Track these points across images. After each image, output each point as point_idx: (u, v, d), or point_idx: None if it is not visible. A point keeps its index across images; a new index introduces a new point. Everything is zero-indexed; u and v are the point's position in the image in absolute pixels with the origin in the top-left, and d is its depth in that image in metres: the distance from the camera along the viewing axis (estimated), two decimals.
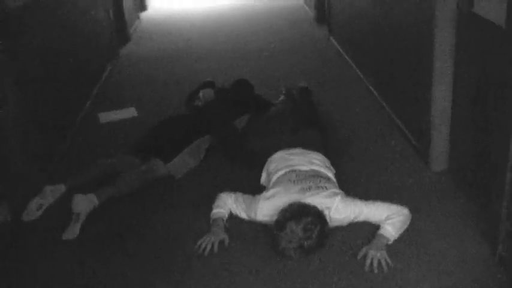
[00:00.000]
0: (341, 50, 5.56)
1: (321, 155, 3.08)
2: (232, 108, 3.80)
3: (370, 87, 4.36)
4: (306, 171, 2.82)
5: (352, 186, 2.87)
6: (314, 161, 2.96)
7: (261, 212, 2.64)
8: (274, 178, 2.83)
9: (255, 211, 2.65)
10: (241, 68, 5.35)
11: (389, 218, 2.55)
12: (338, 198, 2.59)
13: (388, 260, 2.36)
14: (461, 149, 2.89)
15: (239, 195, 2.80)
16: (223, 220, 2.71)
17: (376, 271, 2.32)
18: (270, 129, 3.64)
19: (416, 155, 3.27)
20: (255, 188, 2.93)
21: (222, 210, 2.74)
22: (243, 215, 2.75)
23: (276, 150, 3.11)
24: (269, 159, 3.07)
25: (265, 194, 2.68)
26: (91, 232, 2.71)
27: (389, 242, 2.48)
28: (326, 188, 2.64)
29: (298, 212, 2.43)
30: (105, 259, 2.54)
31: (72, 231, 2.65)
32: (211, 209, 2.77)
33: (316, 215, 2.44)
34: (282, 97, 4.24)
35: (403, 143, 3.45)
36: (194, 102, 3.84)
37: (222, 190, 2.87)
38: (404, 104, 3.54)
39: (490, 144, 2.47)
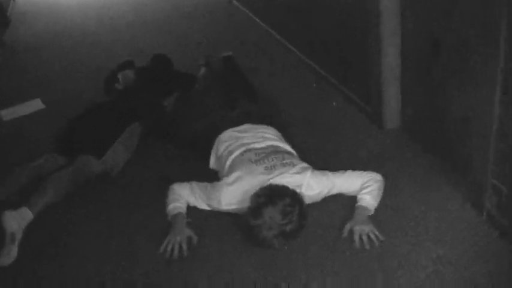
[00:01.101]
0: (251, 15, 5.29)
1: (271, 128, 2.84)
2: (156, 87, 3.45)
3: (297, 52, 4.14)
4: (264, 148, 2.57)
5: (310, 160, 2.64)
6: (267, 136, 2.72)
7: (225, 200, 2.36)
8: (229, 161, 2.55)
9: (218, 200, 2.37)
10: (145, 40, 4.96)
11: (365, 187, 2.38)
12: (308, 174, 2.37)
13: (377, 233, 2.20)
14: (416, 106, 2.79)
15: (194, 184, 2.50)
16: (183, 215, 2.40)
17: (367, 247, 2.15)
18: (203, 107, 3.35)
19: (368, 118, 3.12)
20: (204, 174, 2.65)
21: (179, 204, 2.43)
22: (203, 206, 2.46)
23: (219, 130, 2.82)
24: (216, 140, 2.78)
25: (226, 179, 2.40)
26: (30, 248, 2.32)
27: (371, 213, 2.31)
28: (293, 164, 2.41)
29: (272, 195, 2.18)
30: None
31: (9, 255, 2.22)
32: (165, 204, 2.45)
33: (292, 195, 2.21)
34: (203, 69, 3.94)
35: (351, 108, 3.28)
36: (114, 86, 3.42)
37: (169, 181, 2.56)
38: (349, 68, 3.35)
39: (450, 98, 2.38)
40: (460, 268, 2.01)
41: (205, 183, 2.48)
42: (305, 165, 2.45)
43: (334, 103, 3.39)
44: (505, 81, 1.93)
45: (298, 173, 2.37)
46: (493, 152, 2.08)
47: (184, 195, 2.47)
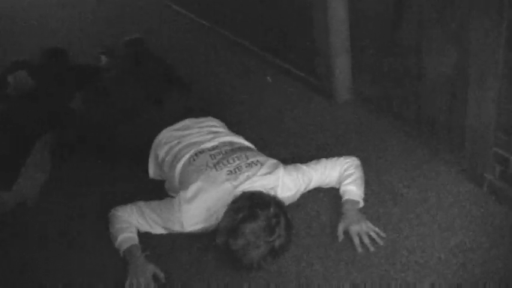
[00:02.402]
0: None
1: (214, 119, 2.41)
2: (58, 88, 2.86)
3: (228, 34, 3.66)
4: (218, 146, 2.14)
5: (269, 153, 2.22)
6: (216, 130, 2.30)
7: (188, 221, 1.92)
8: (178, 169, 2.09)
9: (180, 221, 1.92)
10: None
11: (346, 176, 2.04)
12: (281, 172, 1.99)
13: (378, 230, 1.88)
14: (370, 75, 2.49)
15: (142, 205, 2.02)
16: (138, 246, 1.93)
17: (372, 249, 1.82)
18: (121, 105, 2.82)
19: (317, 93, 2.77)
20: (144, 189, 2.18)
21: (129, 234, 1.95)
22: (159, 230, 1.99)
23: (152, 131, 2.35)
24: (154, 145, 2.31)
25: (183, 195, 1.94)
26: None
27: (361, 205, 1.99)
28: (260, 163, 2.01)
29: (251, 207, 1.77)
30: None
31: None
32: (111, 237, 1.96)
33: (275, 203, 1.82)
34: (103, 59, 3.38)
35: (297, 85, 2.91)
36: (4, 92, 2.78)
37: (107, 205, 2.06)
38: (291, 44, 2.95)
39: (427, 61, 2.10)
40: (484, 253, 1.74)
41: (156, 202, 2.02)
42: (273, 161, 2.05)
43: (268, 78, 3.00)
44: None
45: (269, 173, 1.98)
46: (497, 119, 1.82)
47: (133, 221, 1.99)
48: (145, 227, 1.99)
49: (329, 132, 2.49)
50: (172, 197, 2.05)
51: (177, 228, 1.94)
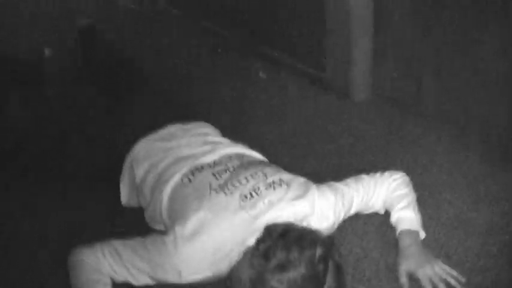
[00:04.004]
0: None
1: (206, 124, 1.85)
2: None
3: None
4: (220, 161, 1.57)
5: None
6: (211, 139, 1.73)
7: (189, 267, 1.32)
8: (165, 193, 1.50)
9: (176, 269, 1.32)
10: None
11: (397, 199, 1.51)
12: (315, 194, 1.44)
13: (455, 273, 1.36)
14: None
15: (118, 246, 1.40)
16: None
17: None
18: (74, 108, 2.22)
19: (331, 91, 2.25)
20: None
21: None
22: (143, 279, 1.39)
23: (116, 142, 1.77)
24: (127, 161, 1.71)
25: (180, 230, 1.34)
26: None
27: (423, 236, 1.46)
28: (285, 183, 1.45)
29: (287, 248, 1.21)
30: None
31: None
32: None
33: (320, 241, 1.26)
34: (47, 51, 2.75)
35: (296, 79, 2.37)
36: None
37: (64, 246, 1.45)
38: (291, 30, 2.40)
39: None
40: None
41: (139, 240, 1.40)
42: (301, 179, 1.50)
43: (260, 73, 2.46)
44: None
45: (300, 196, 1.41)
46: None
47: (106, 270, 1.38)
48: (123, 277, 1.38)
49: (350, 138, 1.97)
50: (160, 231, 1.47)
51: (171, 278, 1.34)
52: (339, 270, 1.24)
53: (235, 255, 1.31)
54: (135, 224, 1.57)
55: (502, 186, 1.64)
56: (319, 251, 1.20)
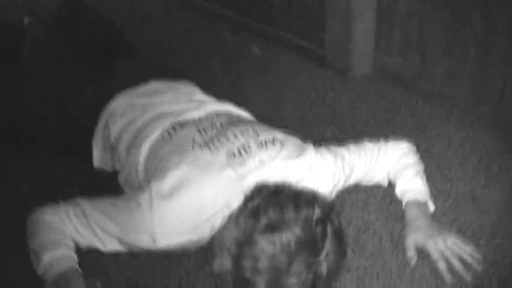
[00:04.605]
0: None
1: (194, 85, 1.67)
2: None
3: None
4: (207, 117, 1.39)
5: None
6: (199, 97, 1.56)
7: (165, 229, 1.14)
8: (143, 149, 1.33)
9: (151, 231, 1.14)
10: None
11: (403, 168, 1.35)
12: (311, 155, 1.26)
13: (470, 248, 1.19)
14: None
15: (85, 205, 1.22)
16: (79, 272, 1.14)
17: (469, 279, 1.12)
18: (53, 77, 2.03)
19: (325, 66, 2.08)
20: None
21: (64, 251, 1.16)
22: (112, 245, 1.21)
23: (103, 98, 1.58)
24: (102, 118, 1.53)
25: (157, 186, 1.16)
26: None
27: (432, 209, 1.29)
28: (279, 141, 1.27)
29: (279, 206, 1.04)
30: None
31: None
32: (30, 255, 1.17)
33: (317, 201, 1.08)
34: (26, 20, 2.56)
35: (295, 56, 2.20)
36: None
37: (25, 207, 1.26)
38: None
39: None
40: None
41: (109, 200, 1.22)
42: (298, 139, 1.32)
43: (254, 48, 2.29)
44: None
45: (294, 156, 1.24)
46: None
47: (69, 231, 1.20)
48: (89, 241, 1.20)
49: (351, 114, 1.80)
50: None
51: (143, 243, 1.16)
52: (339, 236, 1.06)
53: (218, 219, 1.14)
54: (108, 190, 1.38)
55: None
56: (317, 212, 1.03)
